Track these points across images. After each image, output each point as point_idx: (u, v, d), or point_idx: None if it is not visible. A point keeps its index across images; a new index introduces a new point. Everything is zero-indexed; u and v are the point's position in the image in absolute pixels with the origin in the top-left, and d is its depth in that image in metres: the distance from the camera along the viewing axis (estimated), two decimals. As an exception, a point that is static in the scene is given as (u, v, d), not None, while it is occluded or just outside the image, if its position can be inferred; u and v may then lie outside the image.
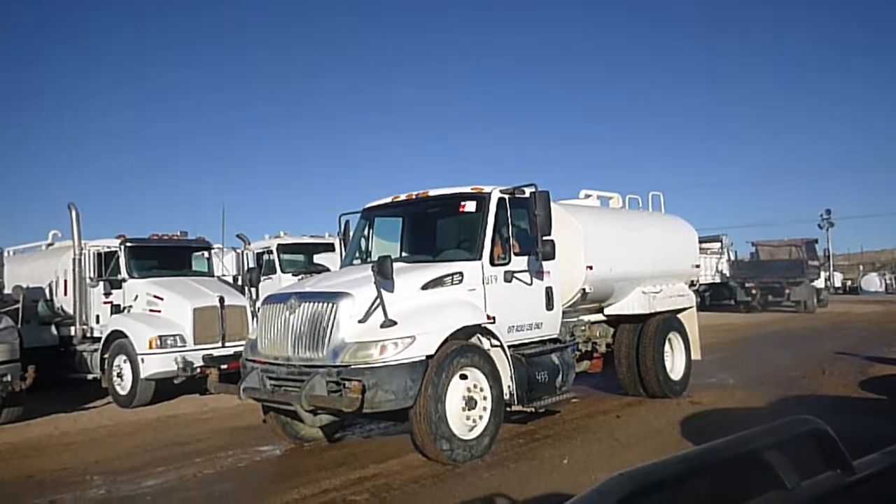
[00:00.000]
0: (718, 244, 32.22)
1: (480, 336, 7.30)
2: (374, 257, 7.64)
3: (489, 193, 7.75)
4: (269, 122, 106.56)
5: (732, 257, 32.35)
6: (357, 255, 8.57)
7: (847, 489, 1.65)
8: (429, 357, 6.52)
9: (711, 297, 31.12)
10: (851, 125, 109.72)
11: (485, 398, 6.96)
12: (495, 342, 7.30)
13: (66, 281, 12.23)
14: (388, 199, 8.58)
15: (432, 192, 8.23)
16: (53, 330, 12.76)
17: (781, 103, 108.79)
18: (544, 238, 7.41)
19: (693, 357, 10.55)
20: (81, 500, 6.29)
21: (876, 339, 17.19)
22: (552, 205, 7.54)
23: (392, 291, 6.72)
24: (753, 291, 29.33)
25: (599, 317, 9.76)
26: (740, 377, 11.58)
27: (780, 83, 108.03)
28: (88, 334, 12.08)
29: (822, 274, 31.84)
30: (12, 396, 9.72)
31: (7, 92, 78.76)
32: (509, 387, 7.24)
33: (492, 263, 7.47)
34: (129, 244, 12.04)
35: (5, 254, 12.87)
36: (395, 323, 6.47)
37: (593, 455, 6.94)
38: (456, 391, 6.74)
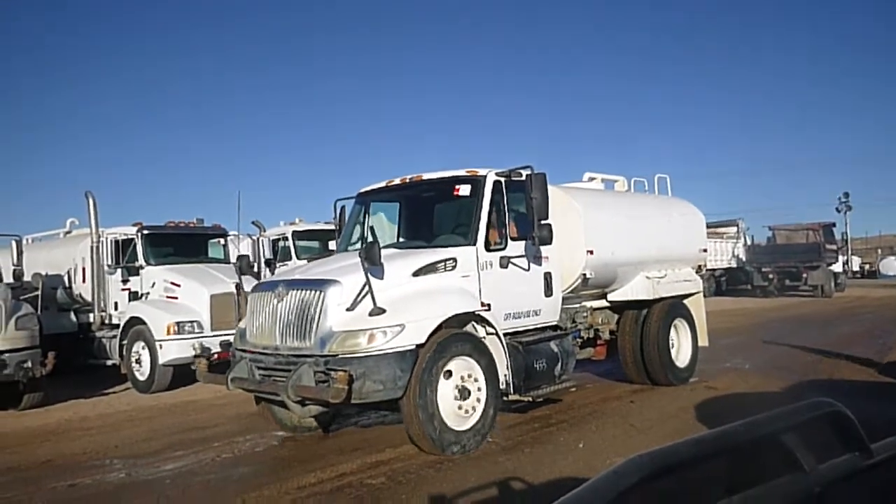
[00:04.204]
0: (735, 228, 32.04)
1: (475, 324, 7.09)
2: None
3: (484, 176, 7.48)
4: (285, 108, 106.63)
5: (749, 242, 32.12)
6: (352, 241, 8.35)
7: (865, 472, 1.65)
8: (419, 346, 6.32)
9: (728, 281, 30.99)
10: (870, 110, 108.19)
11: (479, 388, 6.75)
12: (491, 330, 7.07)
13: (84, 268, 12.37)
14: (383, 184, 8.33)
15: (426, 176, 7.99)
16: (72, 316, 12.92)
17: (801, 89, 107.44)
18: (541, 222, 7.10)
19: (700, 343, 10.30)
20: (101, 484, 6.36)
21: (893, 324, 17.03)
22: (550, 187, 7.26)
23: (382, 278, 6.52)
24: (770, 276, 29.13)
25: (602, 303, 9.50)
26: (756, 362, 11.52)
27: (801, 69, 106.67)
28: (107, 321, 12.24)
29: (840, 258, 31.47)
30: (32, 382, 9.87)
31: (24, 81, 79.25)
32: (505, 375, 7.01)
33: (487, 249, 7.24)
34: (145, 231, 12.16)
35: (24, 241, 13.02)
36: (383, 311, 6.26)
37: (608, 439, 6.94)
38: (448, 381, 6.54)
